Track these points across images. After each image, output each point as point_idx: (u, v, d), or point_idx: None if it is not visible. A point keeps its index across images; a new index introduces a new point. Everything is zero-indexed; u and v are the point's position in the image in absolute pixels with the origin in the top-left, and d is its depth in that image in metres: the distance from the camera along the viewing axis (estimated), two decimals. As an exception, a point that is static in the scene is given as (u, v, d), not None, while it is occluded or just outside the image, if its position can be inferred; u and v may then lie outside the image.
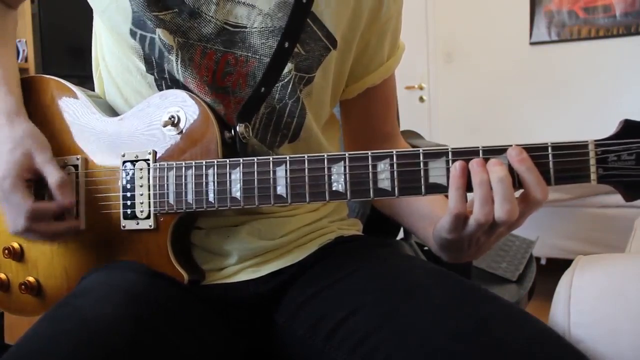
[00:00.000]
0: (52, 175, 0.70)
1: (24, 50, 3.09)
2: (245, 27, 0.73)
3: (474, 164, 0.60)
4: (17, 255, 0.77)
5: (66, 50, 3.03)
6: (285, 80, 0.75)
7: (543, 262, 2.85)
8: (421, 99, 4.09)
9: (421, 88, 4.08)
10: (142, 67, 0.75)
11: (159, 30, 0.71)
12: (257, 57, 0.73)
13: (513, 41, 3.79)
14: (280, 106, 0.76)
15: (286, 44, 0.72)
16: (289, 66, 0.74)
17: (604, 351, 0.56)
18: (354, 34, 0.79)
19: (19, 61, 3.06)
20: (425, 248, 1.34)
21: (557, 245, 2.80)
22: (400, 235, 1.21)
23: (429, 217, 0.77)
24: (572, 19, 3.63)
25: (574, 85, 3.63)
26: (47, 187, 0.71)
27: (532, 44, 3.76)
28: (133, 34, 0.73)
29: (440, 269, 0.72)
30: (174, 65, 0.72)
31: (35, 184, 0.71)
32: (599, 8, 3.55)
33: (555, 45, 3.71)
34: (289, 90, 0.75)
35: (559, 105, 3.65)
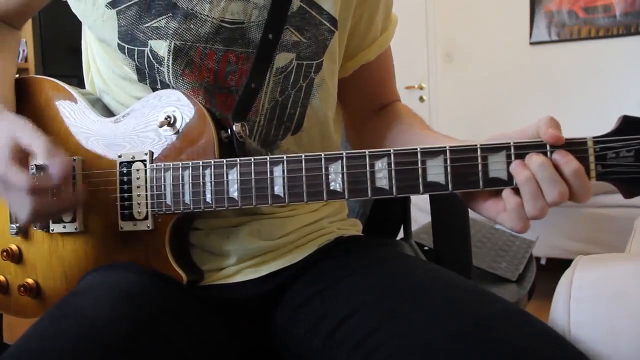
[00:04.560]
0: (39, 145, 0.65)
1: (24, 50, 3.09)
2: (243, 23, 0.72)
3: (514, 166, 0.59)
4: (16, 257, 0.77)
5: (66, 50, 3.03)
6: (287, 70, 0.74)
7: (543, 262, 2.85)
8: (421, 99, 4.09)
9: (421, 88, 4.08)
10: (134, 76, 0.75)
11: (151, 42, 0.71)
12: None
13: (513, 41, 3.79)
14: (282, 98, 0.76)
15: (270, 36, 0.72)
16: (290, 56, 0.74)
17: (604, 351, 0.56)
18: (348, 12, 0.78)
19: (19, 61, 3.06)
20: (425, 248, 1.34)
21: (557, 245, 2.80)
22: (400, 235, 1.21)
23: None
24: (572, 19, 3.63)
25: (574, 85, 3.63)
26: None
27: (532, 44, 3.76)
28: (121, 48, 0.73)
29: (441, 268, 0.72)
30: (165, 76, 0.72)
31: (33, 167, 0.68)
32: (599, 8, 3.56)
33: (555, 45, 3.71)
34: (291, 81, 0.75)
35: (558, 105, 3.65)
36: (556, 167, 0.57)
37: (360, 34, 0.83)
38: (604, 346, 0.56)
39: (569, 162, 0.57)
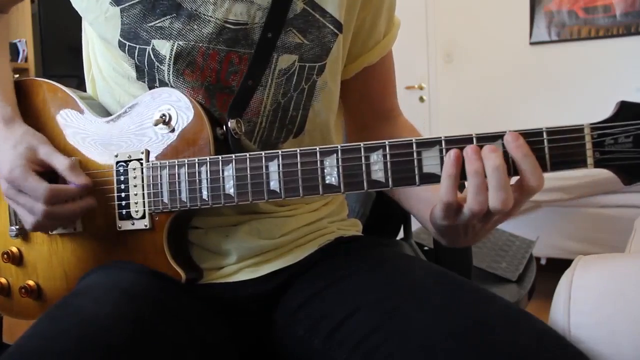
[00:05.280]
0: (60, 161, 0.69)
1: (24, 50, 3.08)
2: (247, 24, 0.72)
3: (469, 152, 0.58)
4: (17, 260, 0.77)
5: (66, 50, 3.03)
6: (290, 72, 0.74)
7: (543, 262, 2.84)
8: (421, 99, 4.09)
9: (421, 88, 4.08)
10: (133, 74, 0.75)
11: (154, 41, 0.71)
12: None
13: (513, 41, 3.79)
14: (285, 100, 0.76)
15: (269, 34, 0.72)
16: (292, 58, 0.74)
17: (604, 351, 0.56)
18: (352, 15, 0.79)
19: (19, 61, 3.06)
20: (425, 248, 1.34)
21: (557, 245, 2.80)
22: (400, 235, 1.21)
23: (428, 200, 0.74)
24: (572, 19, 3.63)
25: (574, 85, 3.63)
26: (57, 177, 0.70)
27: (532, 44, 3.76)
28: (122, 45, 0.73)
29: (440, 268, 0.72)
30: (165, 74, 0.72)
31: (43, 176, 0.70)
32: (599, 8, 3.55)
33: (555, 45, 3.71)
34: (293, 83, 0.75)
35: (558, 105, 3.65)
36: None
37: (364, 36, 0.83)
38: (604, 346, 0.56)
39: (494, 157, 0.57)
